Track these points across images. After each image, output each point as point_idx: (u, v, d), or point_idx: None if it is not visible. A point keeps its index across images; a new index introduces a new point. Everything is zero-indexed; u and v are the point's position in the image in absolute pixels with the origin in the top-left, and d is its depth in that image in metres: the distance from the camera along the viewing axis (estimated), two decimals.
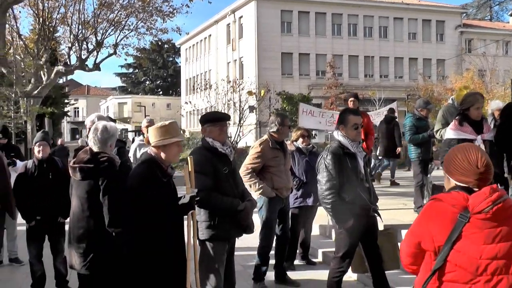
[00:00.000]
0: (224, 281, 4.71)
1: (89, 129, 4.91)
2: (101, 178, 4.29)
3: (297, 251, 7.47)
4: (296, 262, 7.42)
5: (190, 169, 4.01)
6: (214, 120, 4.82)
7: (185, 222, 4.10)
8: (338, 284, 5.18)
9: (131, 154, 7.42)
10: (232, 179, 4.75)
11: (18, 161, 7.34)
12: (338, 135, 5.16)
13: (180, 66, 69.94)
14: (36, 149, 6.17)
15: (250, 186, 6.02)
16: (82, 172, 4.37)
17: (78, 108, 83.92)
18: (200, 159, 4.35)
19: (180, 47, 66.52)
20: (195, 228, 4.18)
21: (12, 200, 6.09)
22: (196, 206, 4.08)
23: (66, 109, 55.19)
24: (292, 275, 6.73)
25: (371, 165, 14.70)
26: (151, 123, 7.65)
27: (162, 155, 3.92)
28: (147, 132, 7.53)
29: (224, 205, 4.58)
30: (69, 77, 47.10)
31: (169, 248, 3.79)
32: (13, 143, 8.63)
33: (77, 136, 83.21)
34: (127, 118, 69.80)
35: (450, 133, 6.34)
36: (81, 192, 4.48)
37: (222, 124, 4.77)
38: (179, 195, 4.04)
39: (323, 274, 6.39)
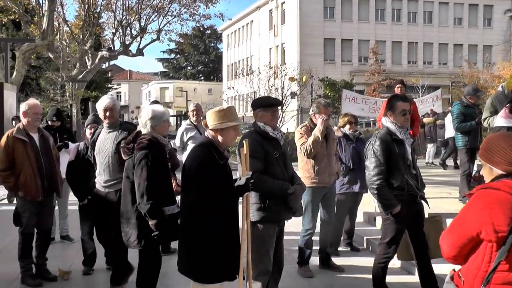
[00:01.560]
0: (272, 263, 4.80)
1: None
2: (135, 157, 4.62)
3: (342, 237, 7.49)
4: (341, 248, 7.44)
5: (245, 152, 4.08)
6: (267, 105, 4.90)
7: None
8: (384, 270, 5.20)
9: (177, 138, 7.55)
10: (282, 162, 4.81)
11: (70, 143, 7.58)
12: (387, 121, 5.14)
13: (221, 52, 70.23)
14: (88, 131, 6.39)
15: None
16: (124, 152, 4.85)
17: (120, 92, 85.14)
18: (251, 143, 4.40)
19: (222, 33, 66.78)
20: (249, 210, 4.26)
21: (59, 180, 6.27)
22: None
23: (109, 93, 56.18)
24: (336, 260, 6.77)
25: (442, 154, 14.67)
26: (198, 107, 7.80)
27: (219, 138, 4.00)
28: (193, 116, 7.74)
29: (274, 188, 4.66)
30: (112, 62, 47.85)
31: (224, 229, 3.88)
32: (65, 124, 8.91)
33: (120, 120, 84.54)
34: (169, 103, 70.61)
35: (500, 121, 6.23)
36: (126, 172, 4.86)
37: (274, 110, 4.87)
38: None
39: (367, 261, 6.43)
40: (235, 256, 3.97)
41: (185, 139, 7.62)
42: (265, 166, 4.65)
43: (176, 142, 7.70)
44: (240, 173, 4.04)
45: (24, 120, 6.00)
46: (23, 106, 6.01)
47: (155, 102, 7.89)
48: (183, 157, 7.15)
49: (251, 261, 4.26)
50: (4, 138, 5.94)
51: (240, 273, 3.99)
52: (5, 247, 7.74)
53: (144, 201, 4.47)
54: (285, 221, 5.02)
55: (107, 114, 5.64)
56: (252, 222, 4.63)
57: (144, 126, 4.80)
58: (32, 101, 6.16)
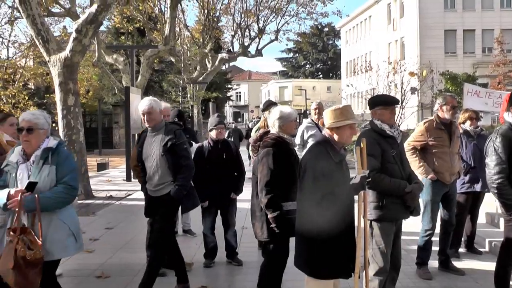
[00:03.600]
0: (390, 262, 4.75)
1: None
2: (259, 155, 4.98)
3: (462, 238, 7.21)
4: (461, 250, 7.17)
5: (362, 151, 4.10)
6: (386, 103, 4.89)
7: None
8: (507, 275, 4.94)
9: (298, 136, 7.60)
10: (399, 161, 4.77)
11: (193, 143, 7.99)
12: (509, 117, 4.90)
13: (340, 49, 69.67)
14: (214, 131, 6.70)
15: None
16: (252, 149, 5.24)
17: (240, 92, 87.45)
18: (368, 141, 4.41)
19: (340, 30, 66.18)
20: (366, 208, 4.27)
21: None
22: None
23: (228, 94, 57.83)
24: (456, 263, 6.53)
25: None
26: (319, 105, 7.84)
27: (335, 136, 4.03)
28: (315, 114, 7.80)
29: (391, 186, 4.63)
30: (231, 64, 49.23)
31: (340, 226, 3.90)
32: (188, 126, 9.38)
33: (239, 120, 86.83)
34: (288, 101, 71.30)
35: None
36: (253, 168, 5.21)
37: (392, 108, 4.86)
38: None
39: (489, 265, 6.16)
40: (350, 253, 3.99)
41: (305, 137, 7.68)
42: (382, 164, 4.64)
43: (297, 140, 7.77)
44: (357, 171, 4.05)
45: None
46: None
47: (270, 102, 8.06)
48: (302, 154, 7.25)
49: (368, 260, 4.26)
50: (138, 137, 6.39)
51: (356, 271, 4.00)
52: (132, 239, 8.36)
53: (263, 195, 4.79)
54: (403, 220, 4.95)
55: (146, 118, 5.54)
56: (369, 220, 4.64)
57: (272, 125, 5.04)
58: (164, 104, 6.58)
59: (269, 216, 4.77)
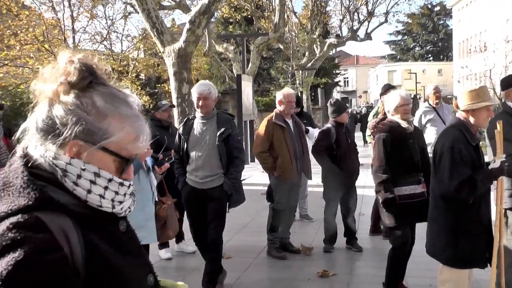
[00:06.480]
0: None
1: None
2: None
3: None
4: None
5: (499, 134, 3.85)
6: None
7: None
8: None
9: (415, 120, 7.37)
10: None
11: (310, 128, 7.98)
12: None
13: (451, 29, 66.49)
14: (345, 114, 6.68)
15: None
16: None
17: (347, 78, 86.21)
18: (503, 125, 4.14)
19: (451, 8, 63.08)
20: (502, 196, 4.01)
21: (308, 162, 6.65)
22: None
23: (336, 79, 57.22)
24: None
25: None
26: (437, 89, 7.58)
27: (471, 119, 3.84)
28: (434, 99, 7.51)
29: None
30: (338, 49, 48.66)
31: (476, 214, 3.74)
32: (304, 110, 9.39)
33: (347, 105, 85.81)
34: (397, 86, 69.22)
35: None
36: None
37: None
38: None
39: None
40: (487, 242, 3.80)
41: (423, 121, 7.45)
42: None
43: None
44: (491, 156, 3.81)
45: (280, 108, 6.47)
46: (279, 95, 6.51)
47: (389, 86, 7.84)
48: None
49: (503, 250, 4.01)
50: (264, 123, 6.48)
51: (493, 262, 3.79)
52: (250, 222, 8.53)
53: (375, 180, 4.88)
54: None
55: (201, 103, 5.08)
56: (504, 209, 4.36)
57: (387, 110, 5.00)
58: (287, 90, 6.62)
59: (380, 200, 4.78)
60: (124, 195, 1.40)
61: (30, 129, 1.34)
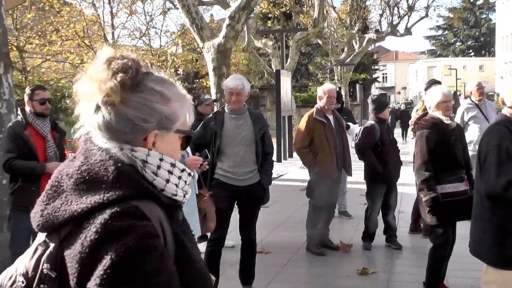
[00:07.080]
0: None
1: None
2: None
3: None
4: None
5: None
6: None
7: None
8: None
9: (458, 117, 7.30)
10: None
11: (351, 124, 7.95)
12: None
13: (494, 23, 64.91)
14: (386, 111, 6.65)
15: None
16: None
17: (386, 73, 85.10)
18: None
19: (495, 2, 61.56)
20: None
21: (349, 159, 6.62)
22: None
23: (375, 75, 56.59)
24: None
25: None
26: (480, 86, 7.47)
27: None
28: (479, 96, 7.39)
29: None
30: (377, 44, 48.12)
31: None
32: (344, 106, 9.35)
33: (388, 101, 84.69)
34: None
35: None
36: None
37: None
38: None
39: None
40: None
41: (465, 118, 7.35)
42: None
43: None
44: None
45: (320, 103, 6.45)
46: (320, 90, 6.51)
47: (434, 81, 7.74)
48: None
49: None
50: (305, 119, 6.49)
51: None
52: (289, 218, 8.56)
53: (417, 178, 4.83)
54: None
55: (234, 98, 4.86)
56: None
57: (429, 107, 4.92)
58: (328, 85, 6.61)
59: (423, 199, 4.72)
60: (186, 183, 1.45)
61: (89, 127, 1.37)
